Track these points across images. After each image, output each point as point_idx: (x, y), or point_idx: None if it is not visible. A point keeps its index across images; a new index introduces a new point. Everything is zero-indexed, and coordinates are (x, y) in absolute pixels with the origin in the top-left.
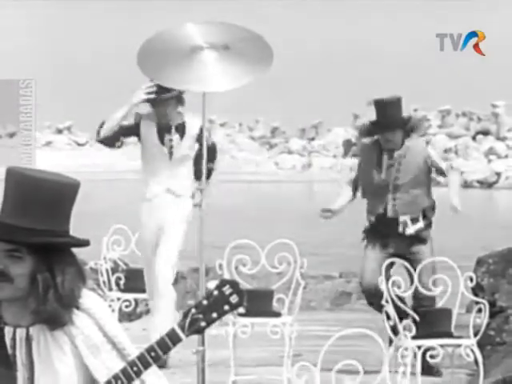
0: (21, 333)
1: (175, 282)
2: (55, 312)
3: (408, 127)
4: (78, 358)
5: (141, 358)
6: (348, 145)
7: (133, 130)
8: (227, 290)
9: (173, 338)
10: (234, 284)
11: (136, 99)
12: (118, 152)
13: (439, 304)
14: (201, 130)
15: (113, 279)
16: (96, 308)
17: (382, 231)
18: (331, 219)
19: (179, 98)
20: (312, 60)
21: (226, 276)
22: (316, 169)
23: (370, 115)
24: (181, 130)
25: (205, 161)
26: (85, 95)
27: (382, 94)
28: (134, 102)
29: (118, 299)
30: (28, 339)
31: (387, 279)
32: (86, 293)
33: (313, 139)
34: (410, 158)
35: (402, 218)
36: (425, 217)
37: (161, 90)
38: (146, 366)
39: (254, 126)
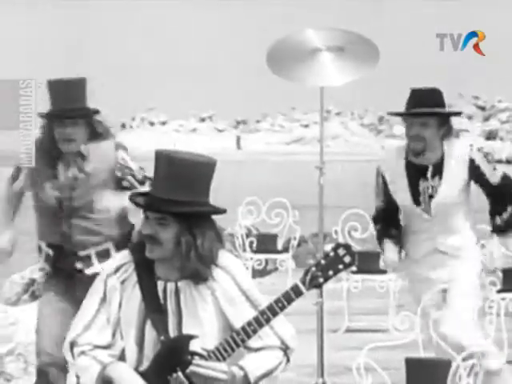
0: (171, 286)
1: (298, 246)
2: (197, 269)
3: (93, 122)
4: (218, 308)
5: (270, 307)
6: None
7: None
8: (341, 251)
9: (296, 292)
10: (347, 247)
11: None
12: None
13: None
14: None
15: (247, 242)
16: (232, 266)
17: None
18: None
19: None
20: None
21: (341, 240)
22: None
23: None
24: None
25: None
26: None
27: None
28: None
29: (251, 259)
30: (177, 292)
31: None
32: (224, 253)
33: None
34: (95, 167)
35: (82, 253)
36: None
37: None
38: (274, 314)
39: (364, 115)
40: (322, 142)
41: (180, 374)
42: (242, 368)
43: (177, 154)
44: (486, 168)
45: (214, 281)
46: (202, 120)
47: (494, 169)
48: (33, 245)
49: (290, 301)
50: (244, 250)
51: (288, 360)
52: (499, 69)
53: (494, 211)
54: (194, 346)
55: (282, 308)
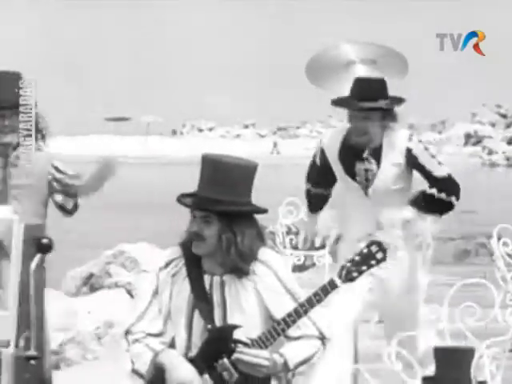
0: (216, 279)
1: (336, 241)
2: (236, 264)
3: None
4: (260, 300)
5: (308, 300)
6: (468, 136)
7: None
8: (374, 248)
9: (332, 285)
10: (379, 244)
11: None
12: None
13: None
14: None
15: (287, 240)
16: (273, 261)
17: None
18: None
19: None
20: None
21: (374, 238)
22: (443, 155)
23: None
24: None
25: None
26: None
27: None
28: None
29: (291, 255)
30: (222, 285)
31: (498, 239)
32: (265, 249)
33: (440, 132)
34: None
35: None
36: None
37: None
38: (312, 306)
39: None
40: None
41: (225, 360)
42: (282, 355)
43: (221, 157)
44: (426, 160)
45: (256, 275)
46: (246, 127)
47: (440, 163)
48: (93, 241)
49: (326, 294)
50: (284, 247)
51: (325, 348)
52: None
53: (433, 187)
54: (238, 334)
55: (320, 300)
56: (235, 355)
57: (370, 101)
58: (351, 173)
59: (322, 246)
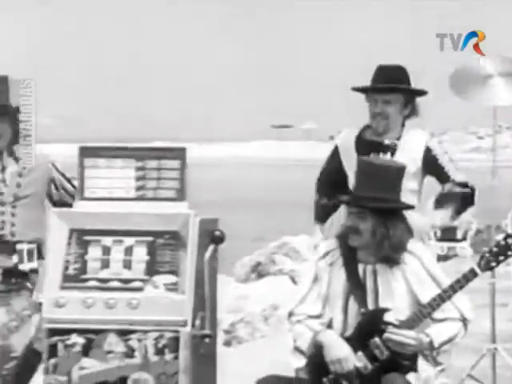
0: (370, 268)
1: (475, 235)
2: (389, 255)
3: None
4: (408, 286)
5: (451, 286)
6: None
7: None
8: (511, 240)
9: (472, 274)
10: None
11: None
12: None
13: None
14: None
15: (431, 232)
16: (420, 252)
17: None
18: None
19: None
20: None
21: (510, 231)
22: None
23: None
24: None
25: None
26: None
27: None
28: None
29: (435, 246)
30: (375, 273)
31: None
32: (414, 242)
33: None
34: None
35: (19, 246)
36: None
37: None
38: (455, 291)
39: None
40: (494, 151)
41: (377, 339)
42: (427, 335)
43: (374, 160)
44: (445, 162)
45: (405, 264)
46: None
47: (457, 169)
48: (260, 234)
49: (467, 281)
50: (429, 239)
51: (466, 329)
52: None
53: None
54: (388, 317)
55: (462, 287)
56: (386, 335)
57: (392, 82)
58: None
59: (464, 238)
